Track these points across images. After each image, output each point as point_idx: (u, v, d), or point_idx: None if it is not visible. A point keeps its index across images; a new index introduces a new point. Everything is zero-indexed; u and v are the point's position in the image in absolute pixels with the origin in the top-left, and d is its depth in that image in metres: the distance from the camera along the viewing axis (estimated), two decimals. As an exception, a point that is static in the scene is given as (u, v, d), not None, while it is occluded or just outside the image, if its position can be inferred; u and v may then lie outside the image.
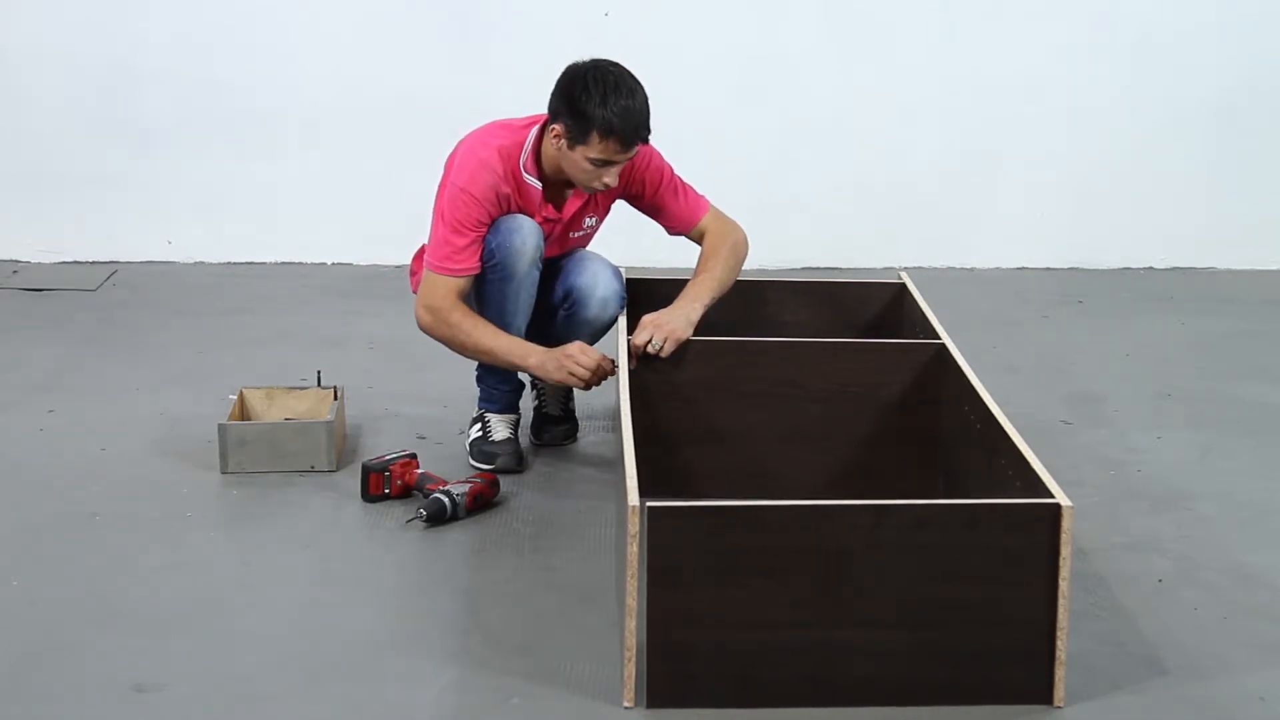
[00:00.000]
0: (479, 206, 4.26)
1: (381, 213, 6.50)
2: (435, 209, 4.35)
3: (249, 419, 4.62)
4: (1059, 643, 3.26)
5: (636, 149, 4.17)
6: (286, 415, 4.64)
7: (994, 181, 6.72)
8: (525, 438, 4.66)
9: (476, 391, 4.58)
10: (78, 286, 6.29)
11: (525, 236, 4.28)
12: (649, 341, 4.16)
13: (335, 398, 4.65)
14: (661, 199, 4.45)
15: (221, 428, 4.42)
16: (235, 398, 4.62)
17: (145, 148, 6.56)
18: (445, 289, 4.29)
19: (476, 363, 4.50)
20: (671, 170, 4.46)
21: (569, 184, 4.33)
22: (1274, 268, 6.78)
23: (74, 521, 4.15)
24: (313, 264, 6.67)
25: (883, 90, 6.63)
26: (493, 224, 4.29)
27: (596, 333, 4.50)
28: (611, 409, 4.79)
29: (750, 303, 4.71)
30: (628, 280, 4.61)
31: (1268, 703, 3.34)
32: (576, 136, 4.14)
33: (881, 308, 4.73)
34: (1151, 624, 3.65)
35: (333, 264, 6.67)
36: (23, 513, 4.21)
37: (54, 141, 6.56)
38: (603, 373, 4.29)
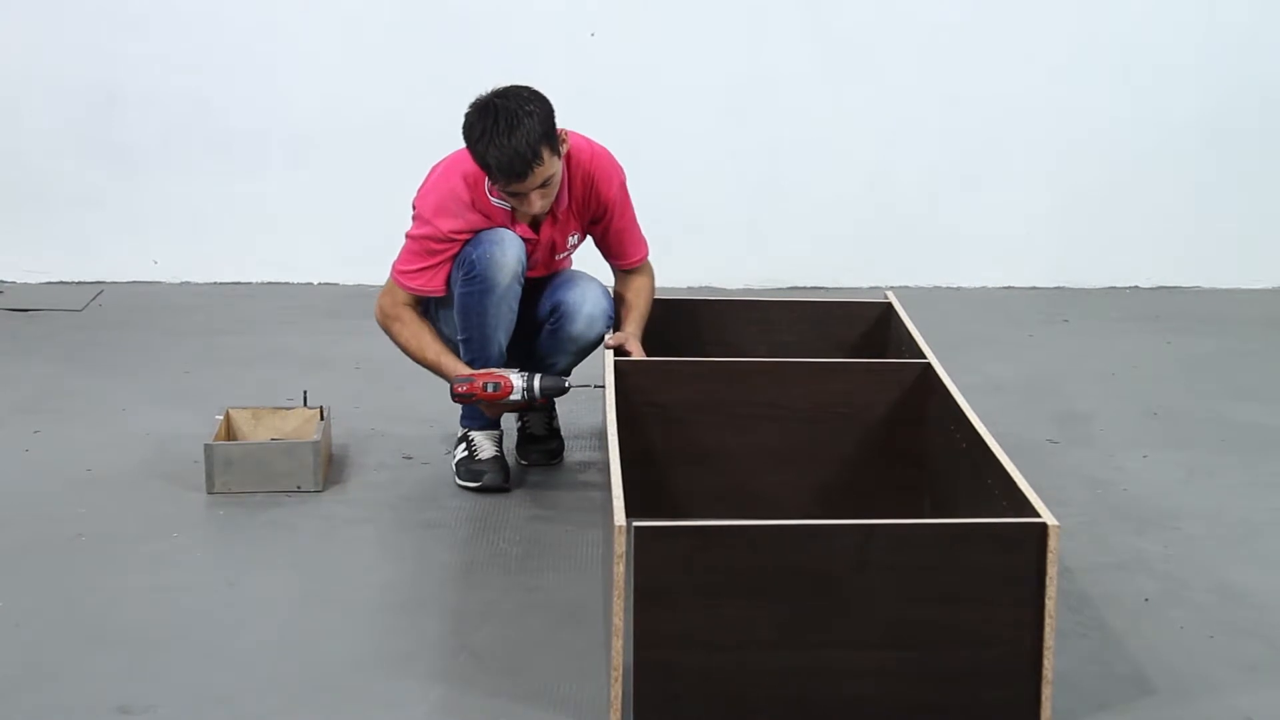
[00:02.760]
0: (442, 238, 4.32)
1: (367, 233, 6.48)
2: (409, 227, 4.41)
3: (235, 439, 4.61)
4: (1045, 662, 3.26)
5: (536, 174, 4.14)
6: (273, 435, 4.64)
7: (980, 201, 6.73)
8: (510, 456, 4.66)
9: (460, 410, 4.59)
10: (63, 307, 6.28)
11: (507, 249, 4.29)
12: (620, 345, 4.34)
13: (321, 418, 4.64)
14: (615, 234, 4.51)
15: (208, 448, 4.41)
16: (221, 418, 4.62)
17: (131, 168, 6.56)
18: (398, 298, 4.42)
19: None
20: (632, 208, 4.52)
21: None
22: (1260, 287, 6.80)
23: (59, 542, 4.14)
24: (298, 284, 6.67)
25: (869, 111, 6.64)
26: (475, 237, 4.30)
27: (581, 351, 4.49)
28: (597, 428, 4.79)
29: (736, 322, 4.72)
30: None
31: (1254, 722, 3.35)
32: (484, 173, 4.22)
33: (868, 327, 4.74)
34: (1138, 643, 3.65)
35: (318, 284, 6.67)
36: (8, 533, 4.20)
37: (40, 162, 6.56)
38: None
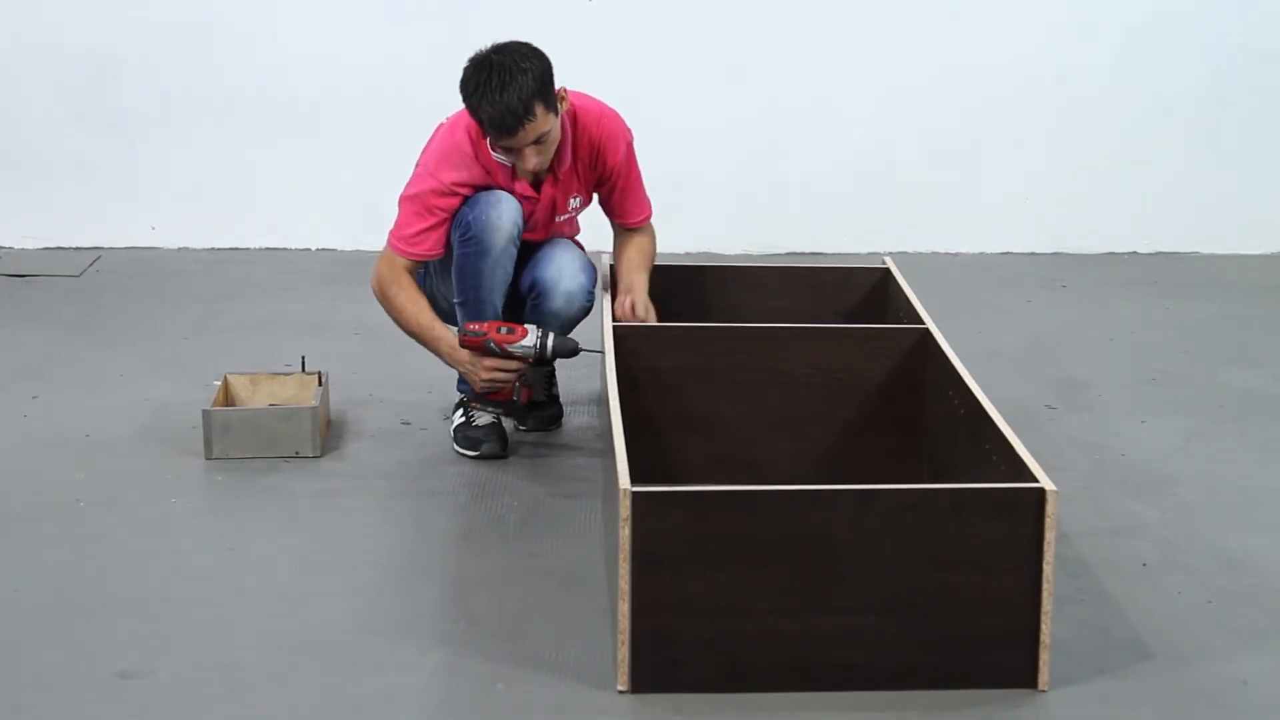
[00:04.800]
0: (444, 191, 4.30)
1: (365, 198, 6.47)
2: (406, 186, 4.38)
3: (233, 405, 4.61)
4: (1043, 627, 3.27)
5: (529, 130, 4.12)
6: (271, 401, 4.64)
7: (978, 166, 6.72)
8: (509, 423, 4.66)
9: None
10: (61, 272, 6.27)
11: (503, 211, 4.28)
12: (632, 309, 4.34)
13: (320, 383, 4.64)
14: (619, 195, 4.51)
15: (206, 414, 4.41)
16: (219, 384, 4.61)
17: (129, 134, 6.55)
18: (396, 264, 4.37)
19: None
20: (639, 171, 4.52)
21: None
22: (1258, 252, 6.79)
23: (58, 508, 4.14)
24: (297, 249, 6.66)
25: (867, 76, 6.62)
26: (471, 198, 4.30)
27: (565, 325, 4.48)
28: (596, 394, 4.79)
29: (734, 288, 4.72)
30: (612, 266, 4.61)
31: (1251, 687, 3.35)
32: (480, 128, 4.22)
33: (866, 293, 4.73)
34: (1135, 608, 3.66)
35: (316, 249, 6.66)
36: (6, 499, 4.20)
37: (37, 127, 6.54)
38: (500, 385, 4.37)
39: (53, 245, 6.58)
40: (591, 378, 4.92)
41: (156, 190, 6.60)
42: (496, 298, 4.38)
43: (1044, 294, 6.24)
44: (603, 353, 4.16)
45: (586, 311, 4.45)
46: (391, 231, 4.38)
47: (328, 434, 4.59)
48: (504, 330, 4.28)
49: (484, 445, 4.47)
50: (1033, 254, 6.76)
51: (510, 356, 4.30)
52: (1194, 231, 6.79)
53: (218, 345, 5.40)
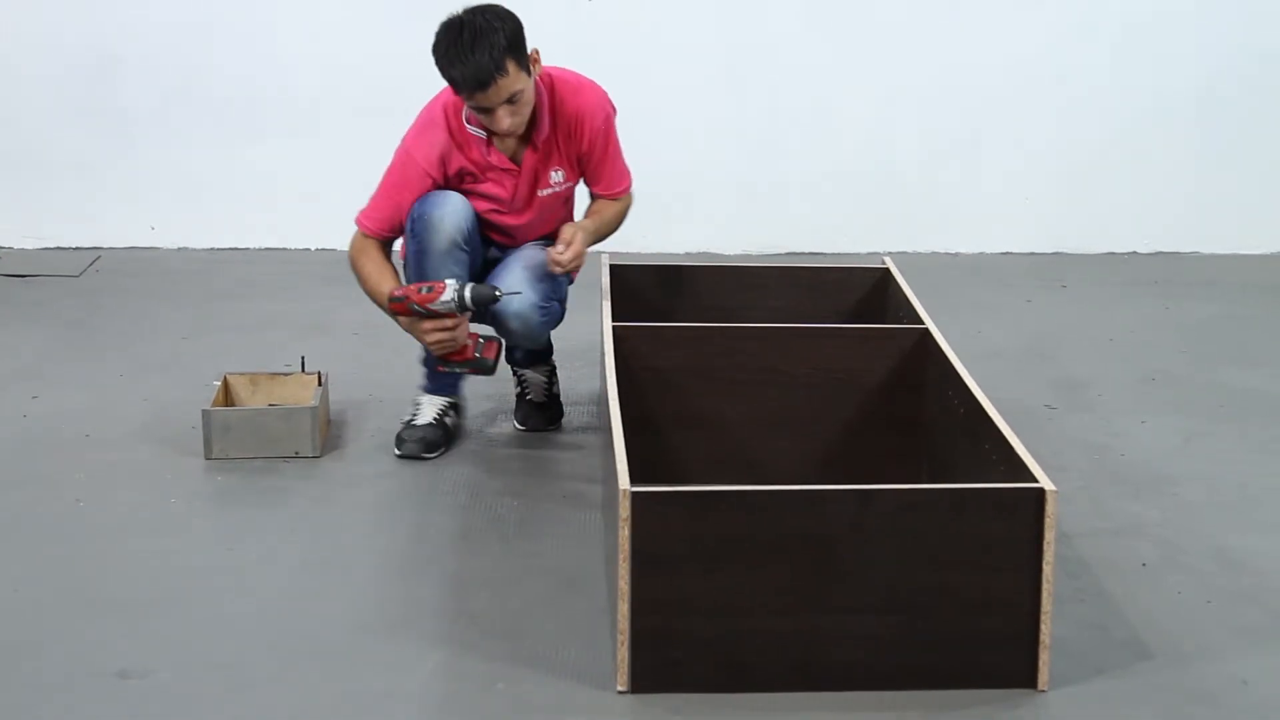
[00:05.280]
0: (416, 168, 4.34)
1: (365, 198, 6.46)
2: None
3: (233, 405, 4.61)
4: (1043, 627, 3.27)
5: (501, 86, 4.12)
6: (271, 401, 4.64)
7: (978, 166, 6.72)
8: (510, 423, 4.67)
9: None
10: (60, 272, 6.27)
11: (446, 213, 4.30)
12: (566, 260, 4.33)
13: (319, 383, 4.64)
14: (597, 165, 4.49)
15: (206, 413, 4.41)
16: (219, 383, 4.61)
17: (128, 133, 6.55)
18: (358, 240, 4.46)
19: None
20: (617, 142, 4.50)
21: (524, 136, 4.34)
22: (1258, 252, 6.79)
23: (57, 508, 4.14)
24: (296, 249, 6.66)
25: (867, 76, 6.62)
26: (424, 196, 4.33)
27: (534, 341, 4.51)
28: (595, 394, 4.79)
29: (734, 288, 4.71)
30: (611, 267, 4.62)
31: (1251, 686, 3.35)
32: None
33: (865, 293, 4.74)
34: (1135, 608, 3.66)
35: (316, 249, 6.65)
36: (6, 499, 4.20)
37: (37, 126, 6.54)
38: (451, 346, 4.31)
39: (52, 245, 6.58)
40: (591, 378, 4.92)
41: (156, 190, 6.60)
42: None
43: (1044, 294, 6.24)
44: (518, 293, 4.22)
45: (549, 322, 4.42)
46: (363, 209, 4.47)
47: (327, 434, 4.59)
48: (425, 290, 4.23)
49: (404, 447, 4.49)
50: (1032, 254, 6.76)
51: (436, 314, 4.26)
52: (1194, 231, 6.79)
53: (217, 345, 5.40)
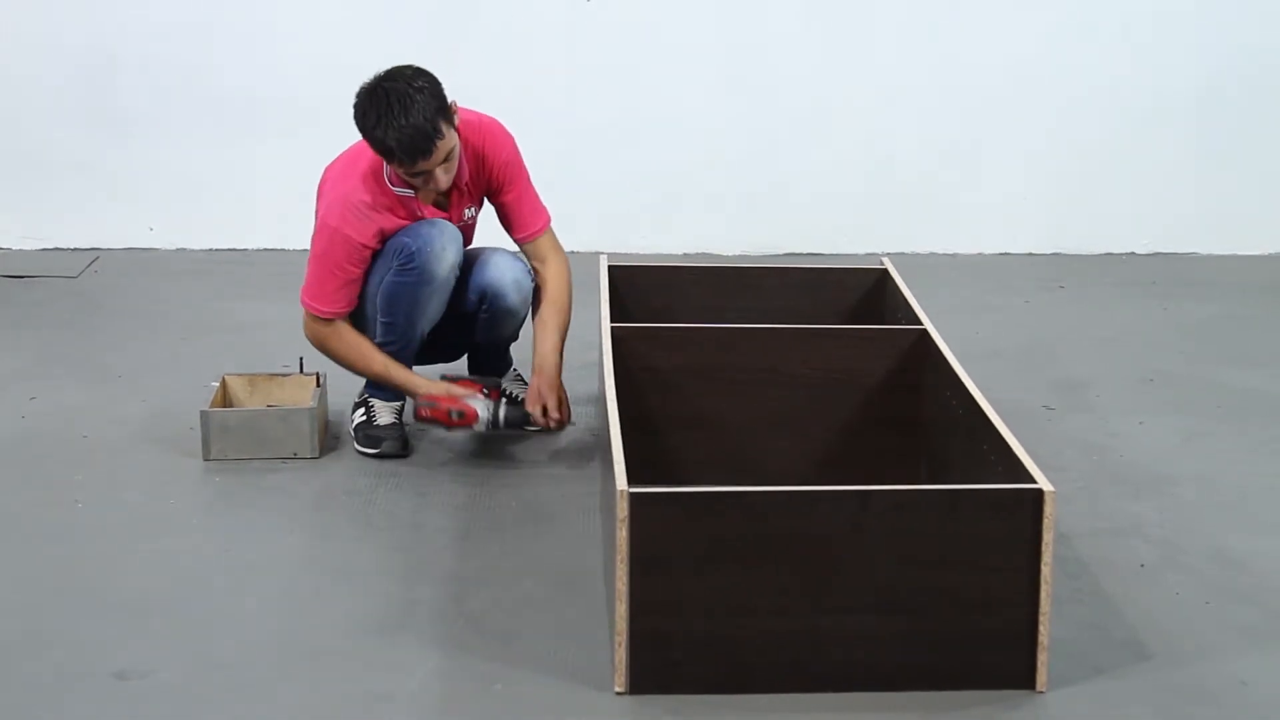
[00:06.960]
0: (351, 244, 4.30)
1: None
2: (311, 241, 4.38)
3: (231, 406, 4.61)
4: (1041, 627, 3.27)
5: (439, 149, 4.13)
6: (269, 402, 4.64)
7: (976, 167, 6.72)
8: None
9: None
10: (59, 273, 6.27)
11: (447, 241, 4.32)
12: (548, 414, 4.40)
13: (318, 385, 4.64)
14: (512, 203, 4.48)
15: (204, 414, 4.41)
16: (218, 385, 4.61)
17: (127, 134, 6.54)
18: (319, 326, 4.41)
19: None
20: (526, 175, 4.50)
21: None
22: (1256, 253, 6.79)
23: (56, 509, 4.14)
24: (295, 250, 6.63)
25: (865, 77, 6.62)
26: (412, 226, 4.31)
27: (520, 322, 4.54)
28: (593, 394, 4.79)
29: (732, 288, 4.72)
30: (610, 267, 4.62)
31: (1250, 687, 3.35)
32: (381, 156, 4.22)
33: (864, 294, 4.74)
34: (1134, 609, 3.66)
35: (315, 250, 6.65)
36: (4, 500, 4.20)
37: (35, 128, 6.53)
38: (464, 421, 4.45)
39: (51, 246, 6.58)
40: (591, 378, 4.91)
41: (154, 191, 6.60)
42: (426, 325, 4.42)
43: (1043, 294, 6.24)
44: (552, 430, 4.41)
45: (533, 293, 4.50)
46: (304, 290, 4.40)
47: (326, 435, 4.59)
48: (455, 415, 4.40)
49: (384, 445, 4.49)
50: (1031, 254, 6.76)
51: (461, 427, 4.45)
52: (1193, 231, 6.79)
53: (216, 346, 5.40)
